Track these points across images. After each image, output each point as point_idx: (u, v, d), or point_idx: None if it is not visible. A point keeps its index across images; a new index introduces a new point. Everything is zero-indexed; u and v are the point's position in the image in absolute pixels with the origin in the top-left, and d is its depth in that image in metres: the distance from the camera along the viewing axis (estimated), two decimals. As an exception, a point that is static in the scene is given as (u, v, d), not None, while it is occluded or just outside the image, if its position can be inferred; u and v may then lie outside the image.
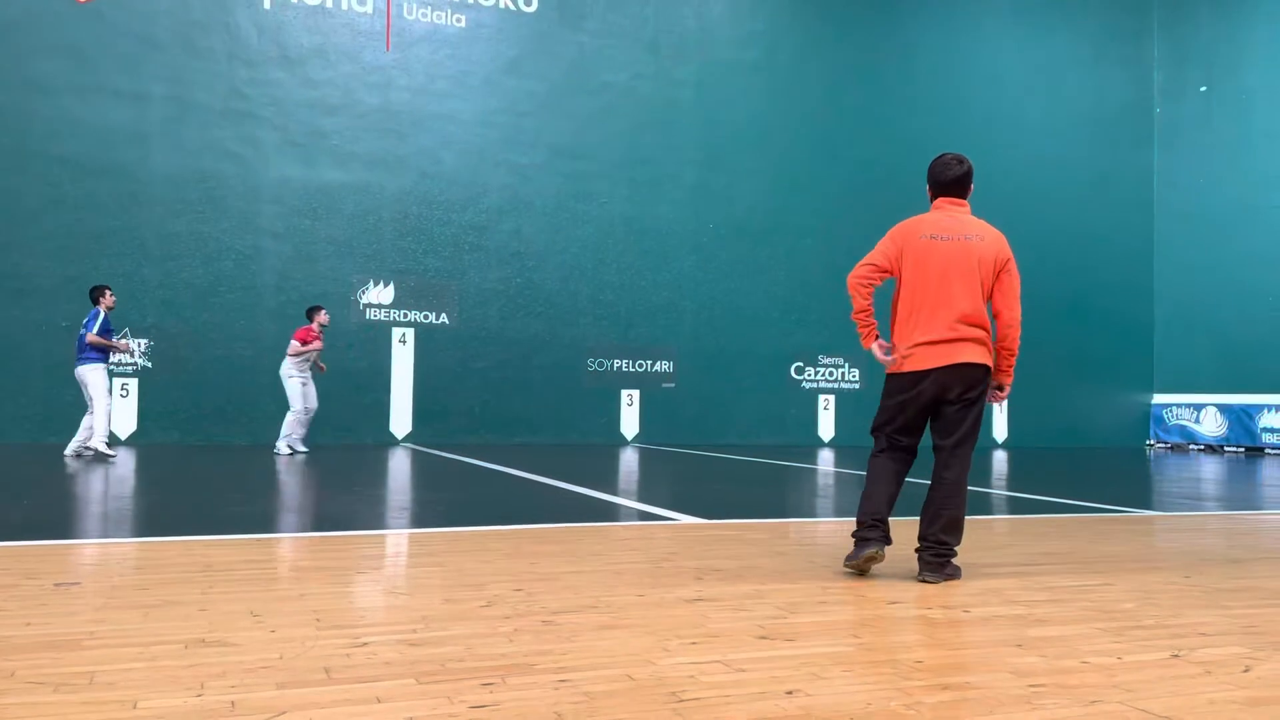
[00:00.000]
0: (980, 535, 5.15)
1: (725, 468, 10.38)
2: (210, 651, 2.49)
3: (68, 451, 10.11)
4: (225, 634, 2.68)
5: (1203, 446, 17.80)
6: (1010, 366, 4.05)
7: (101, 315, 10.03)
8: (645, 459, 11.66)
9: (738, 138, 16.27)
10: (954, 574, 3.76)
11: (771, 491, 7.87)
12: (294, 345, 11.48)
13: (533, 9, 15.22)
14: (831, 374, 16.79)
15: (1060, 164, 18.37)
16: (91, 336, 9.83)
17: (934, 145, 17.13)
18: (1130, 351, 18.77)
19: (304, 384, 11.59)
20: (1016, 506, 7.08)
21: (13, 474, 7.94)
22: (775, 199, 16.46)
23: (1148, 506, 7.14)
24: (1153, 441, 18.77)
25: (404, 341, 14.28)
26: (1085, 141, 18.64)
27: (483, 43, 14.95)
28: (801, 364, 16.58)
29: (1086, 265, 18.34)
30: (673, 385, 15.74)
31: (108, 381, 10.11)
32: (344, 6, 14.28)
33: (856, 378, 16.92)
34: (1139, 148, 19.08)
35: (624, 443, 15.26)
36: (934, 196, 4.10)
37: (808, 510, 6.73)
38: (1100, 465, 12.37)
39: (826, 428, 16.70)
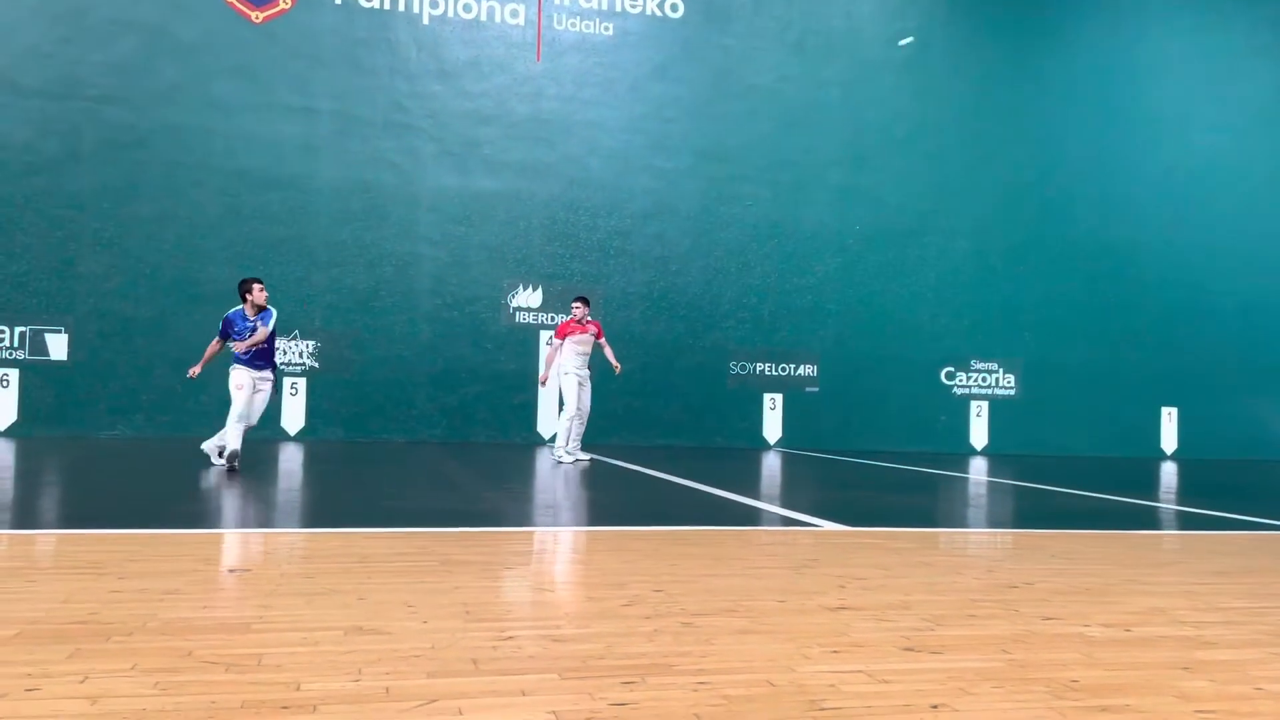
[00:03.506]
0: (1145, 551, 4.88)
1: (870, 474, 10.16)
2: (367, 639, 2.62)
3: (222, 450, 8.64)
4: (381, 623, 2.81)
5: (1403, 462, 16.31)
6: None
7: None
8: (787, 463, 11.54)
9: (885, 138, 15.93)
10: None
11: (919, 500, 7.66)
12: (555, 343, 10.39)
13: (679, 14, 15.32)
14: (985, 380, 16.20)
15: (1233, 159, 17.17)
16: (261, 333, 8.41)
17: (1092, 144, 16.50)
18: (1317, 358, 17.38)
19: (580, 384, 10.47)
20: (1186, 521, 6.66)
21: (191, 468, 8.52)
22: (924, 200, 16.02)
23: (1337, 526, 6.59)
24: (1344, 456, 17.31)
25: (550, 344, 14.57)
26: (1261, 135, 17.35)
27: (629, 50, 15.14)
28: (952, 369, 16.07)
29: (1263, 266, 17.07)
30: (816, 389, 15.52)
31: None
32: (497, 19, 14.73)
33: (1012, 384, 16.28)
34: (1328, 139, 17.65)
35: (766, 447, 15.14)
36: None
37: (958, 520, 6.52)
38: (1279, 479, 11.50)
39: (979, 436, 16.12)
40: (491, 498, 6.73)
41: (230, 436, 8.19)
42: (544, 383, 10.75)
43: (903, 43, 13.23)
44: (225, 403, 8.25)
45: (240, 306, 8.54)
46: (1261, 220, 17.16)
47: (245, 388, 8.39)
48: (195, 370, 8.67)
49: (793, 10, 15.74)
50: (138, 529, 4.74)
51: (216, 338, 8.66)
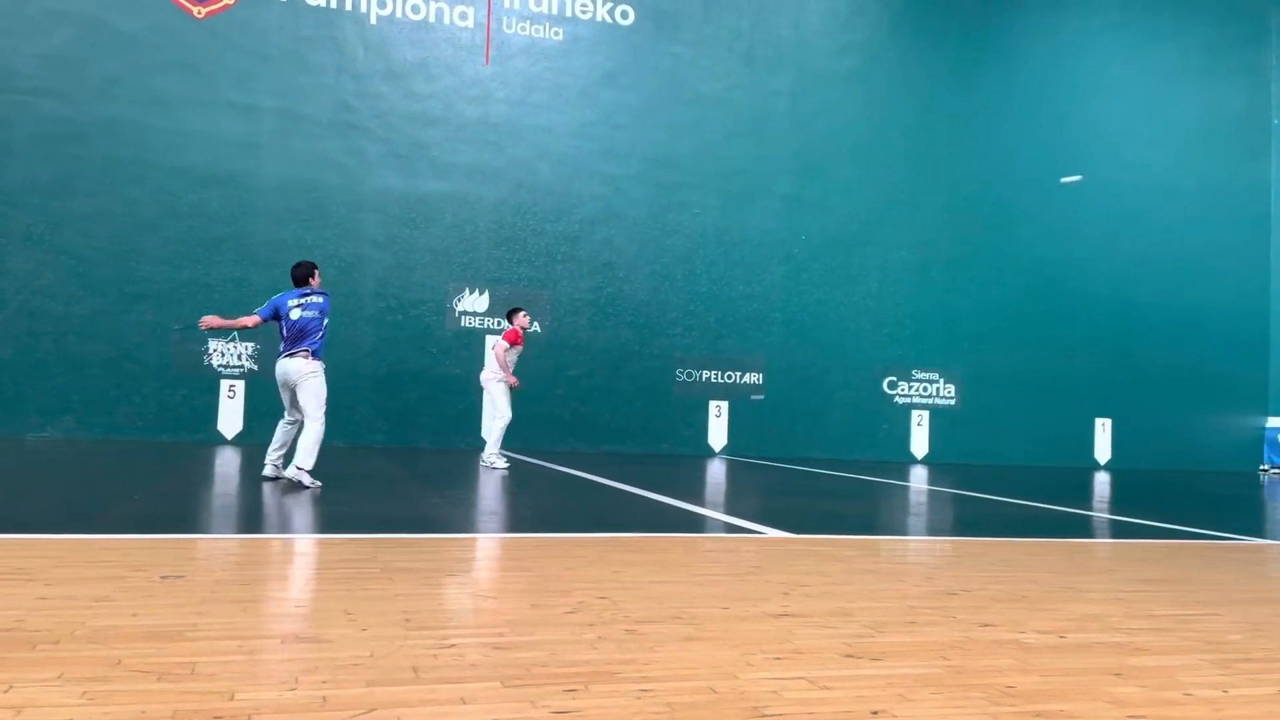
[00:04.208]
0: (1080, 559, 4.98)
1: (814, 482, 10.26)
2: (304, 647, 2.57)
3: (271, 471, 7.76)
4: (319, 630, 2.76)
5: (1323, 473, 16.90)
6: None
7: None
8: (732, 471, 11.60)
9: (832, 148, 16.12)
10: None
11: (861, 507, 7.74)
12: (500, 346, 10.08)
13: (629, 22, 15.36)
14: (926, 389, 16.46)
15: (1168, 177, 17.69)
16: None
17: (1035, 157, 16.87)
18: (1243, 372, 17.92)
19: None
20: (1119, 530, 6.82)
21: (124, 471, 8.31)
22: (870, 210, 16.24)
23: (1260, 535, 6.80)
24: (1267, 466, 17.87)
25: (496, 349, 14.48)
26: (1195, 154, 17.92)
27: (579, 55, 15.14)
28: (894, 378, 16.30)
29: (1196, 282, 17.60)
30: (762, 397, 15.63)
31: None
32: (446, 21, 14.63)
33: (952, 394, 16.55)
34: (1254, 160, 18.25)
35: (711, 454, 15.21)
36: None
37: (899, 528, 6.60)
38: (1209, 490, 11.83)
39: (920, 444, 16.37)
40: (435, 504, 6.66)
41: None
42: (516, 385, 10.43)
43: (1066, 180, 13.34)
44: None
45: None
46: (1194, 236, 17.68)
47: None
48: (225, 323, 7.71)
49: (742, 20, 15.87)
50: (66, 534, 4.61)
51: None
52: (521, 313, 10.39)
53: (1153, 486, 12.04)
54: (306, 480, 7.20)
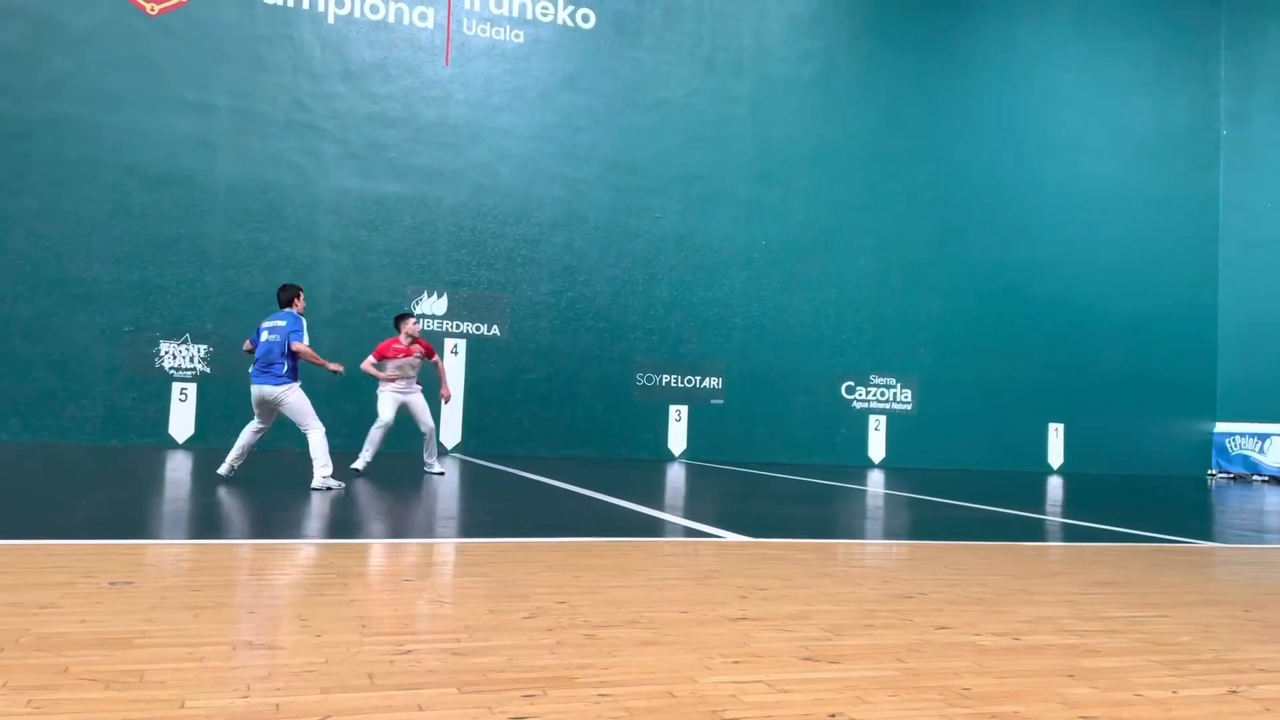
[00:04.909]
0: (1032, 562, 5.05)
1: (772, 486, 10.31)
2: (257, 654, 2.53)
3: (226, 469, 8.27)
4: (272, 637, 2.72)
5: (1267, 478, 17.29)
6: None
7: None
8: (692, 475, 11.63)
9: (792, 154, 16.23)
10: None
11: (819, 511, 7.79)
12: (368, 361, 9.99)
13: (590, 25, 15.35)
14: (883, 394, 16.61)
15: (1120, 186, 18.05)
16: (303, 346, 7.95)
17: (991, 165, 17.11)
18: (1192, 378, 18.31)
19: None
20: (1070, 534, 6.93)
21: (73, 475, 8.14)
22: (829, 217, 16.38)
23: (1208, 538, 6.95)
24: (1214, 471, 18.27)
25: (456, 353, 14.42)
26: (1146, 163, 18.29)
27: (540, 58, 15.11)
28: (852, 383, 16.43)
29: (1146, 289, 17.95)
30: (721, 402, 15.68)
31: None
32: (405, 21, 14.53)
33: (909, 399, 16.72)
34: (1203, 170, 18.66)
35: (671, 458, 15.23)
36: None
37: (856, 532, 6.65)
38: (1159, 494, 12.07)
39: (877, 449, 16.51)
40: (390, 509, 6.60)
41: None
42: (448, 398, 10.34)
43: (714, 401, 13.61)
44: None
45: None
46: (1144, 244, 18.04)
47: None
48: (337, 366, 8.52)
49: (703, 26, 15.93)
50: (11, 539, 4.50)
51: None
52: (410, 320, 9.83)
53: (1104, 490, 12.25)
54: (332, 484, 7.72)
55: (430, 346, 10.05)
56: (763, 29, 16.28)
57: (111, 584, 3.43)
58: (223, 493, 7.08)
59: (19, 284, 12.65)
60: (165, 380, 13.12)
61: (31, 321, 12.68)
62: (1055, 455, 17.47)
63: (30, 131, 12.79)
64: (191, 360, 13.18)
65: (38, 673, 2.26)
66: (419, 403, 9.75)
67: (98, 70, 13.10)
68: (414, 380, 9.78)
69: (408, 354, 9.72)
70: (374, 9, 14.40)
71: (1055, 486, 12.59)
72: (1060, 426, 17.48)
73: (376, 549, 4.63)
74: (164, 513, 5.98)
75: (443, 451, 12.82)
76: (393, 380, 9.71)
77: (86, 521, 5.34)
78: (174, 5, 13.45)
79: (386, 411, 9.69)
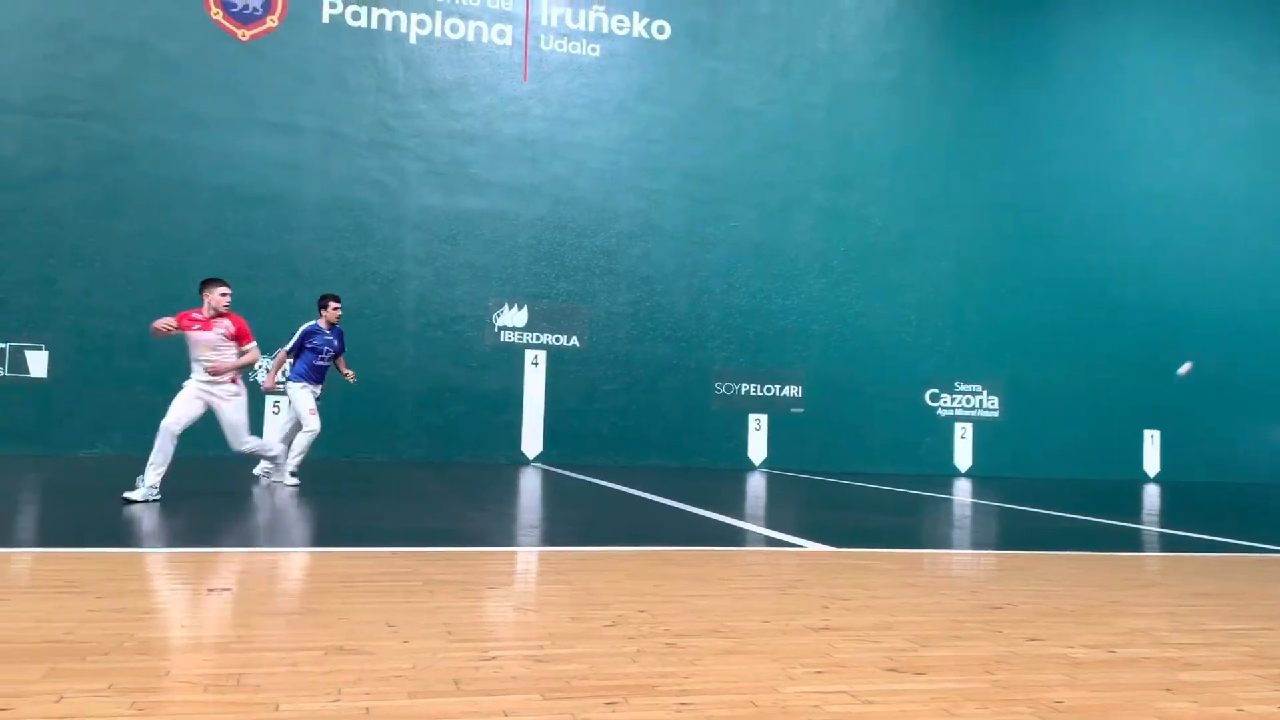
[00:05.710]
0: (1129, 572, 4.89)
1: (855, 495, 10.17)
2: (347, 659, 2.59)
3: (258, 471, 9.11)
4: (362, 643, 2.78)
5: (1381, 485, 16.45)
6: None
7: (305, 327, 8.86)
8: (772, 484, 11.54)
9: (869, 160, 16.05)
10: None
11: (903, 521, 7.66)
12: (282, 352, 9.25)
13: (665, 37, 15.42)
14: (969, 401, 16.27)
15: (1211, 184, 17.38)
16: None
17: (1073, 168, 16.66)
18: (1297, 381, 17.52)
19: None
20: (1168, 543, 6.69)
21: (170, 486, 8.44)
22: (908, 221, 16.13)
23: (1317, 548, 6.64)
24: (1323, 478, 17.45)
25: (536, 364, 14.58)
26: (1240, 160, 17.58)
27: (616, 71, 15.23)
28: (936, 390, 16.13)
29: (1243, 290, 17.25)
30: (801, 410, 15.55)
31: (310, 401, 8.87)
32: (484, 40, 14.79)
33: (995, 406, 16.35)
34: (1306, 165, 17.88)
35: (751, 467, 15.14)
36: None
37: (942, 541, 6.52)
38: (1261, 502, 11.57)
39: (964, 457, 16.17)
40: (475, 518, 6.70)
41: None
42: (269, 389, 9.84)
43: (1182, 371, 13.21)
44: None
45: (316, 320, 9.17)
46: (1239, 243, 17.35)
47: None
48: (270, 381, 9.59)
49: (779, 34, 15.87)
50: (116, 548, 4.69)
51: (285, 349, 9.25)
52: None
53: (1203, 499, 11.80)
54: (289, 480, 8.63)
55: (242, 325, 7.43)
56: (839, 34, 16.15)
57: (210, 591, 3.55)
58: (313, 503, 7.26)
59: (121, 303, 13.20)
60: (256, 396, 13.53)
61: (133, 339, 13.19)
62: (1151, 463, 16.88)
63: (128, 156, 13.35)
64: (283, 374, 13.54)
65: (140, 675, 2.36)
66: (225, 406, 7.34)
67: (191, 95, 13.62)
68: (229, 376, 7.29)
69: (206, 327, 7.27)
70: (454, 28, 14.69)
71: (1151, 495, 12.16)
72: (1156, 433, 16.89)
73: (461, 556, 4.70)
74: (259, 522, 6.17)
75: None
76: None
77: (186, 531, 5.53)
78: (264, 30, 13.91)
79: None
